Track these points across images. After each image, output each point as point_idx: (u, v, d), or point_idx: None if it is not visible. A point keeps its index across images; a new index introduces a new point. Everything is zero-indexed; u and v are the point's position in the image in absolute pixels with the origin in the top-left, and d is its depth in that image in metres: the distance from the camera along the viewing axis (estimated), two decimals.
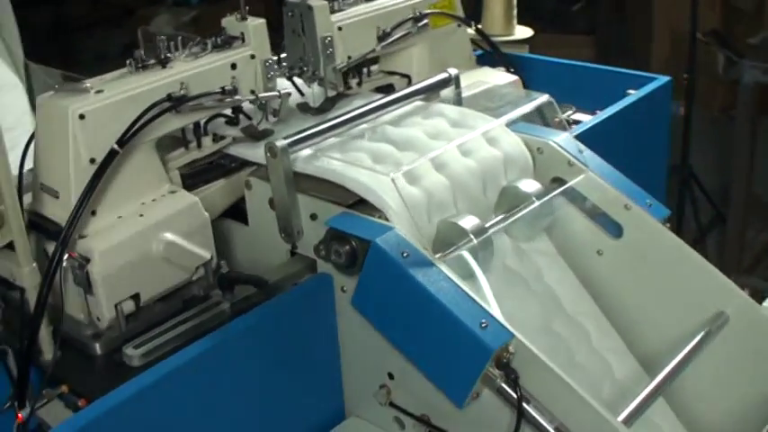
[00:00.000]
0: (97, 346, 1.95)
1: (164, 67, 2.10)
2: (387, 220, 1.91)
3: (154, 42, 2.17)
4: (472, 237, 1.93)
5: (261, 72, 2.23)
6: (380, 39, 2.48)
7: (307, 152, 2.10)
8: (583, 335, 2.14)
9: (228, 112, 2.28)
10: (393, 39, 2.51)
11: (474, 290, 1.79)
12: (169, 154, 2.22)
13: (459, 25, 2.71)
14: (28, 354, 1.88)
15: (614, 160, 2.26)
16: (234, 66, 2.17)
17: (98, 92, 1.98)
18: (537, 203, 2.08)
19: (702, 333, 2.04)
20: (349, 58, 2.44)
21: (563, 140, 2.22)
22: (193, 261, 2.04)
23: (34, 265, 1.90)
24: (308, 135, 2.07)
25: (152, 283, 1.99)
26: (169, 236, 1.99)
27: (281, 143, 1.99)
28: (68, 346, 1.95)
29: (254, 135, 2.33)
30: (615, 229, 2.18)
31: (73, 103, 1.94)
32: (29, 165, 2.11)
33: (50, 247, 1.93)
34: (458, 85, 2.38)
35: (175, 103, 2.02)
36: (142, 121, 1.97)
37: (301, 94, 2.51)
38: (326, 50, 2.37)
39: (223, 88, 2.12)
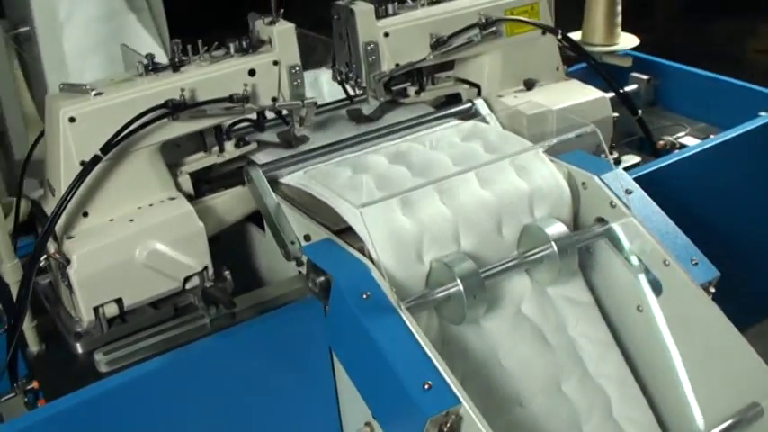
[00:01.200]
0: (78, 345, 1.91)
1: (175, 71, 2.01)
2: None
3: None
4: (458, 282, 1.72)
5: (287, 79, 2.10)
6: (434, 46, 2.27)
7: (318, 167, 2.00)
8: (600, 401, 1.88)
9: (254, 117, 2.18)
10: (450, 47, 2.28)
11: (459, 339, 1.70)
12: (187, 156, 2.15)
13: (543, 33, 2.45)
14: (11, 347, 1.87)
15: (710, 196, 2.08)
16: (252, 72, 2.05)
17: (97, 94, 1.93)
18: (554, 249, 1.82)
19: (731, 421, 1.73)
20: (397, 65, 2.25)
21: (609, 177, 1.95)
22: (181, 271, 1.95)
23: (16, 261, 1.89)
24: (289, 160, 2.03)
25: (135, 289, 1.92)
26: (154, 244, 1.92)
27: (253, 170, 1.97)
28: (59, 341, 1.95)
29: (288, 141, 2.22)
30: (657, 285, 1.89)
31: (66, 105, 1.90)
32: None
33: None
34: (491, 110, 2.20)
35: (171, 110, 1.93)
36: (132, 127, 1.89)
37: (351, 100, 2.35)
38: (369, 57, 2.21)
39: (232, 96, 2.00)
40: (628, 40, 2.71)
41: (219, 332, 1.87)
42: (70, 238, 1.89)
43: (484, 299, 1.75)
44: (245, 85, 2.03)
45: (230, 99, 2.00)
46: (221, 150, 2.15)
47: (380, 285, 1.66)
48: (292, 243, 1.92)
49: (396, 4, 2.30)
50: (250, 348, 1.85)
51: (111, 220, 1.94)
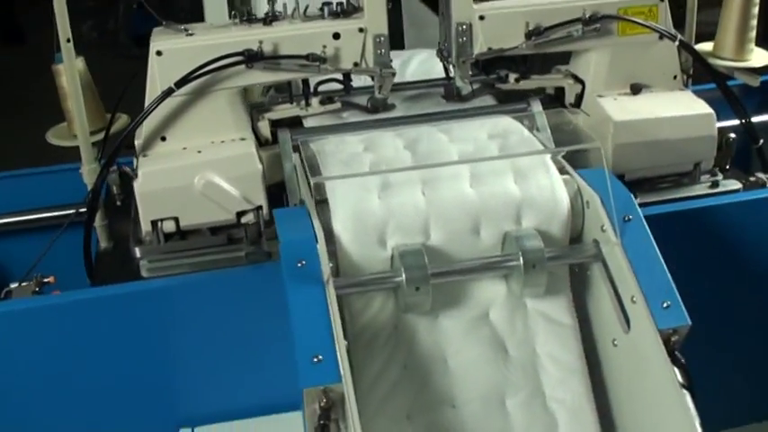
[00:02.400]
0: (137, 250, 2.25)
1: (265, 24, 2.25)
2: None
3: None
4: (402, 272, 1.82)
5: (371, 46, 2.25)
6: (528, 35, 2.28)
7: (340, 137, 2.14)
8: (543, 424, 1.89)
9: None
10: (546, 39, 2.28)
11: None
12: (276, 105, 2.39)
13: (661, 38, 2.35)
14: (84, 238, 2.29)
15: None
16: (337, 35, 2.23)
17: (189, 35, 2.23)
18: (519, 261, 1.86)
19: None
20: (489, 49, 2.31)
21: (613, 198, 1.90)
22: (233, 204, 2.21)
23: (94, 165, 2.28)
24: (328, 129, 2.21)
25: (191, 212, 2.21)
26: (212, 176, 2.19)
27: (282, 132, 2.20)
28: (128, 244, 2.29)
29: (375, 106, 2.39)
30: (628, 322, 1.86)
31: (158, 39, 2.22)
32: None
33: None
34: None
35: (246, 59, 2.18)
36: (207, 69, 2.17)
37: (449, 79, 2.44)
38: (460, 38, 2.28)
39: (309, 55, 2.20)
40: (762, 57, 2.48)
41: (244, 266, 2.14)
42: (145, 156, 2.23)
43: (427, 293, 1.83)
44: (324, 46, 2.21)
45: (306, 57, 2.20)
46: (307, 104, 2.36)
47: (318, 257, 1.80)
48: (295, 205, 2.10)
49: None
50: (257, 289, 2.07)
51: (185, 148, 2.24)
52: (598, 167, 1.97)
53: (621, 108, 2.30)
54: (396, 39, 2.82)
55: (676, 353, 1.76)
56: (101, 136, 2.39)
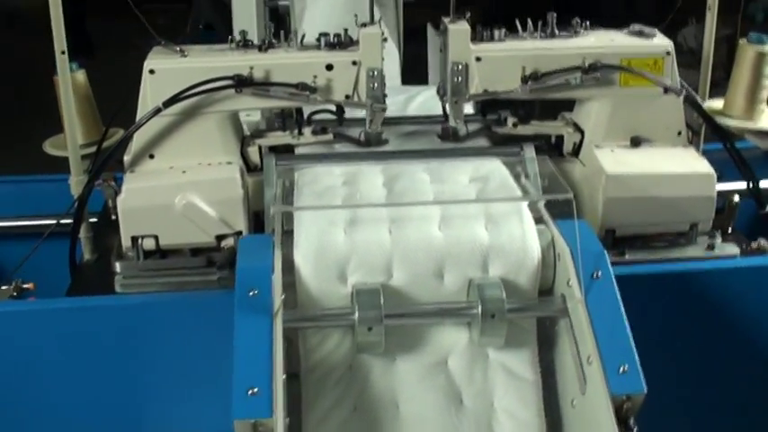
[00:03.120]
0: (117, 264, 2.26)
1: (261, 50, 2.26)
2: None
3: None
4: (356, 311, 1.79)
5: (364, 80, 2.24)
6: (525, 80, 2.24)
7: (323, 168, 2.15)
8: None
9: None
10: (542, 85, 2.24)
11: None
12: (269, 131, 2.39)
13: (665, 91, 2.28)
14: (71, 250, 2.32)
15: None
16: (330, 66, 2.22)
17: (183, 56, 2.24)
18: (478, 310, 1.81)
19: None
20: (485, 91, 2.27)
21: (583, 253, 1.85)
22: (213, 227, 2.21)
23: (82, 177, 2.30)
24: (315, 158, 2.20)
25: (171, 232, 2.21)
26: (194, 197, 2.19)
27: (268, 158, 2.19)
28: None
29: (368, 139, 2.37)
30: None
31: (152, 58, 2.24)
32: None
33: None
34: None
35: (235, 84, 2.18)
36: (195, 90, 2.18)
37: (446, 118, 2.41)
38: (455, 78, 2.25)
39: (299, 84, 2.20)
40: None
41: (212, 290, 2.15)
42: (132, 172, 2.25)
43: (380, 334, 1.80)
44: (315, 76, 2.21)
45: (296, 86, 2.20)
46: (299, 133, 2.35)
47: (272, 287, 1.78)
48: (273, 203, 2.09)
49: (502, 31, 2.29)
50: (225, 313, 2.04)
51: (171, 167, 2.26)
52: (587, 219, 1.94)
53: (616, 161, 2.24)
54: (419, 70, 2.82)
55: (630, 421, 1.69)
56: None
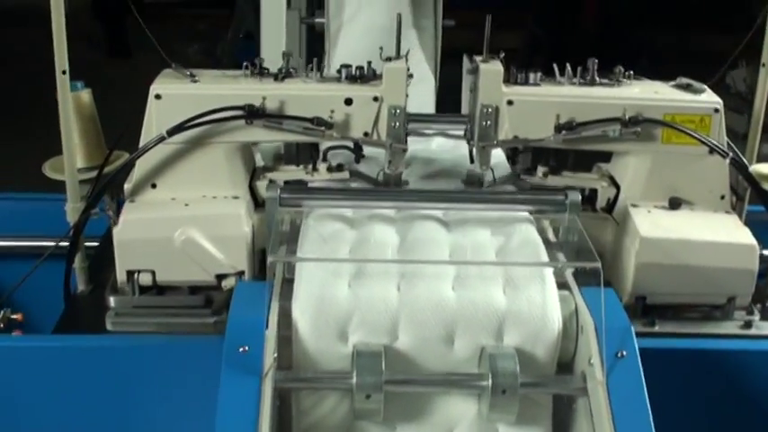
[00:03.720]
0: (111, 299, 2.13)
1: (276, 79, 2.12)
2: None
3: None
4: (354, 375, 1.65)
5: (386, 118, 2.10)
6: (558, 129, 2.09)
7: (334, 211, 2.01)
8: None
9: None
10: (577, 135, 2.08)
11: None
12: (283, 165, 2.25)
13: (711, 152, 2.12)
14: (66, 278, 2.21)
15: None
16: (349, 101, 2.08)
17: (194, 81, 2.11)
18: (488, 383, 1.66)
19: None
20: (515, 138, 2.12)
21: (608, 329, 1.69)
22: (213, 266, 2.07)
23: (79, 204, 2.16)
24: (324, 194, 2.03)
25: (169, 268, 2.08)
26: (194, 233, 2.06)
27: (271, 190, 2.00)
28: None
29: (386, 180, 2.22)
30: None
31: (160, 82, 2.11)
32: None
33: None
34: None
35: (246, 114, 2.05)
36: (203, 119, 2.04)
37: (471, 161, 2.26)
38: (484, 121, 2.11)
39: (314, 118, 2.06)
40: None
41: (207, 336, 2.00)
42: (132, 201, 2.12)
43: (379, 402, 1.65)
44: (333, 111, 2.07)
45: (311, 120, 2.06)
46: (314, 169, 2.21)
47: (264, 345, 1.64)
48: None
49: (538, 74, 2.14)
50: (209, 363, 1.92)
51: (174, 198, 2.12)
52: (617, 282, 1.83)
53: (653, 223, 2.08)
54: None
55: None
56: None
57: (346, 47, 2.89)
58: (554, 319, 1.72)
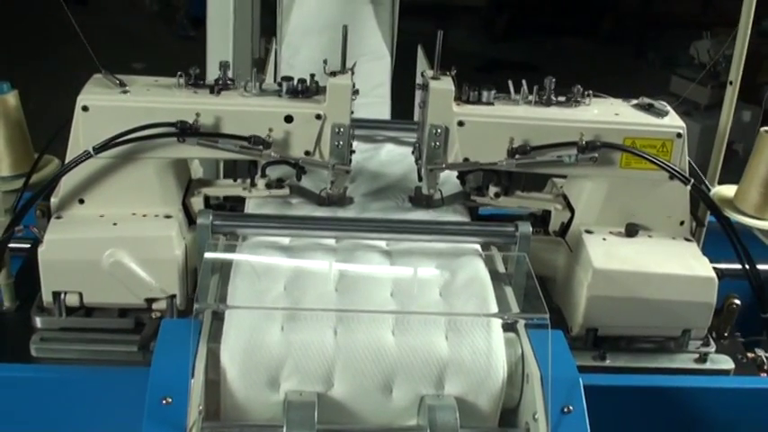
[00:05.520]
0: (37, 319, 2.05)
1: (212, 92, 2.03)
2: None
3: None
4: (284, 427, 1.58)
5: (329, 136, 2.02)
6: (511, 153, 2.01)
7: (269, 240, 1.93)
8: None
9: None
10: (531, 160, 2.01)
11: None
12: (218, 179, 2.17)
13: (671, 177, 2.06)
14: None
15: None
16: (289, 118, 1.99)
17: (124, 91, 2.01)
18: None
19: None
20: (465, 160, 2.05)
21: (556, 378, 1.63)
22: (142, 290, 1.99)
23: (2, 219, 2.06)
24: (260, 221, 1.96)
25: (96, 290, 2.00)
26: (122, 255, 1.97)
27: (203, 217, 1.90)
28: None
29: (331, 199, 2.15)
30: None
31: (87, 92, 2.00)
32: None
33: None
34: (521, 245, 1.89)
35: (178, 132, 1.95)
36: (131, 137, 1.95)
37: (420, 179, 2.18)
38: (433, 142, 2.03)
39: (251, 137, 1.97)
40: None
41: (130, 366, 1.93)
42: (59, 218, 2.02)
43: None
44: (271, 129, 1.98)
45: (248, 139, 1.97)
46: (252, 185, 2.13)
47: (189, 396, 1.57)
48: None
49: (492, 92, 2.05)
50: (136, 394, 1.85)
51: (102, 215, 2.03)
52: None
53: (607, 253, 2.01)
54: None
55: None
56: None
57: (299, 20, 2.82)
58: (498, 368, 1.67)
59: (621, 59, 7.40)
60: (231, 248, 1.88)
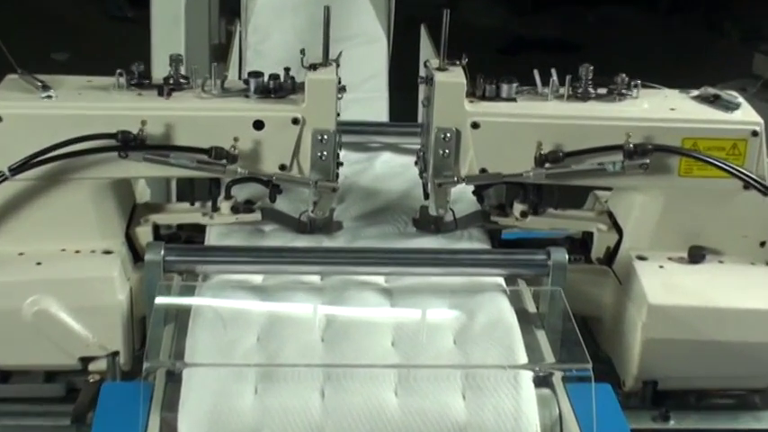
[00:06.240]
0: None
1: (161, 95, 2.09)
2: None
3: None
4: None
5: (309, 146, 2.08)
6: (540, 161, 2.08)
7: (237, 278, 2.00)
8: None
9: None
10: (565, 170, 2.08)
11: None
12: (170, 203, 2.24)
13: (746, 187, 2.12)
14: None
15: None
16: (259, 124, 2.06)
17: (46, 96, 2.07)
18: None
19: None
20: (483, 172, 2.11)
21: None
22: (75, 347, 2.05)
23: None
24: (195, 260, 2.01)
25: (16, 348, 2.06)
26: (49, 302, 2.02)
27: (152, 252, 1.96)
28: None
29: (313, 224, 2.21)
30: None
31: (3, 99, 2.07)
32: None
33: None
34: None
35: (119, 146, 2.02)
36: (57, 153, 2.00)
37: (426, 196, 2.24)
38: (441, 150, 2.09)
39: (211, 149, 2.04)
40: None
41: None
42: None
43: None
44: (236, 139, 2.05)
45: (208, 152, 2.03)
46: (214, 209, 2.19)
47: None
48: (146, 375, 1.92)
49: (513, 85, 2.12)
50: None
51: (21, 253, 2.09)
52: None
53: (665, 284, 2.08)
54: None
55: None
56: None
57: (266, 15, 2.92)
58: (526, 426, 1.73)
59: (688, 34, 7.45)
60: (189, 291, 1.94)
